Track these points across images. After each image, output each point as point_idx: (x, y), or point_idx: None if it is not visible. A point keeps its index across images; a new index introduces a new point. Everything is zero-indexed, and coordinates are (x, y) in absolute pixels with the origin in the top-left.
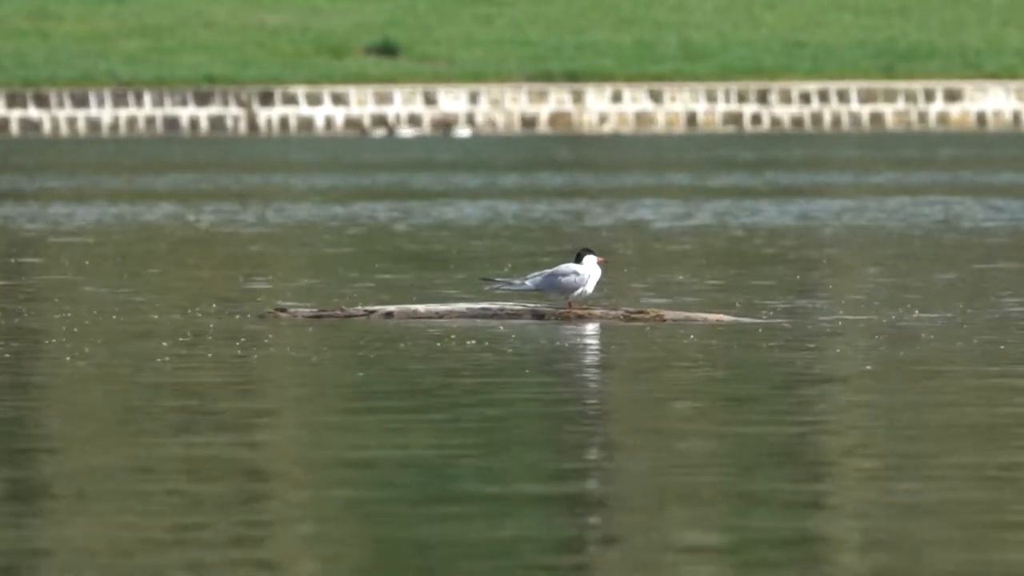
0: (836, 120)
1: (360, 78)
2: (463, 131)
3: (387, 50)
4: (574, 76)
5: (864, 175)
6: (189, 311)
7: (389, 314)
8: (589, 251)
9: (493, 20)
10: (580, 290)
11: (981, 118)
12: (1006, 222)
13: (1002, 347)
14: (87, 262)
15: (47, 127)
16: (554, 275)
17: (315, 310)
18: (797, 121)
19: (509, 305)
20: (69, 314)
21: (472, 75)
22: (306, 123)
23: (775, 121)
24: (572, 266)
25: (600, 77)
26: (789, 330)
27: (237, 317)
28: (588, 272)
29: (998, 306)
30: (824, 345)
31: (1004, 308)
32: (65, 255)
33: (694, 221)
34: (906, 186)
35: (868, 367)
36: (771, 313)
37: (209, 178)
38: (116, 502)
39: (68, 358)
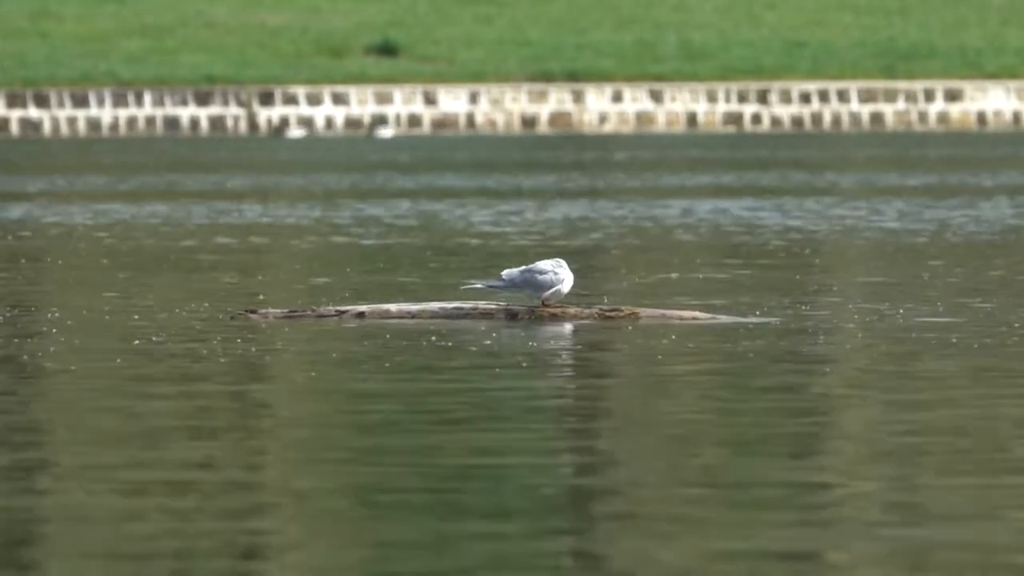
0: (836, 120)
1: (360, 78)
2: (386, 131)
3: (387, 50)
4: (574, 76)
5: (864, 175)
6: (177, 311)
7: (361, 314)
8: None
9: (493, 20)
10: (555, 289)
11: (981, 118)
12: (1003, 222)
13: (990, 345)
14: (79, 262)
15: (47, 127)
16: (530, 272)
17: (286, 311)
18: (797, 121)
19: (482, 304)
20: (57, 313)
21: (472, 75)
22: (306, 123)
23: (775, 121)
24: (550, 264)
25: (600, 77)
26: (770, 329)
27: (220, 317)
28: (565, 274)
29: (987, 307)
30: (804, 344)
31: (993, 309)
32: (62, 255)
33: (691, 221)
34: (905, 186)
35: (844, 365)
36: (757, 312)
37: (209, 178)
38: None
39: (26, 357)
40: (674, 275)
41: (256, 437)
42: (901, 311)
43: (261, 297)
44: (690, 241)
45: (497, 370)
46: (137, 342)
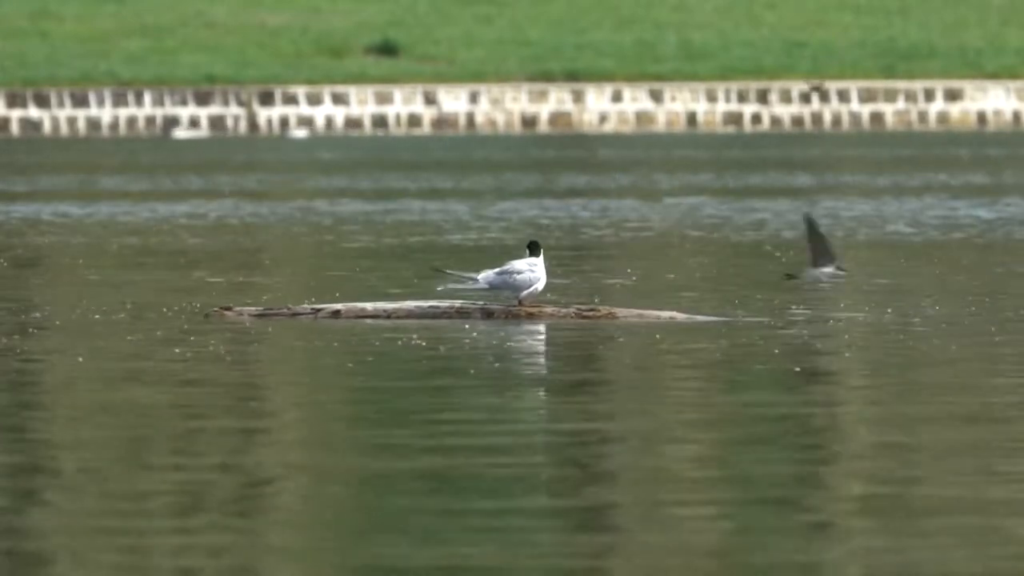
0: (836, 120)
1: (360, 78)
2: (299, 132)
3: (387, 50)
4: (574, 76)
5: (863, 175)
6: (165, 310)
7: (336, 312)
8: (537, 244)
9: (493, 20)
10: (532, 288)
11: (981, 118)
12: (999, 223)
13: (966, 344)
14: (81, 260)
15: (47, 127)
16: (507, 272)
17: (261, 309)
18: (797, 121)
19: (459, 303)
20: (49, 309)
21: (472, 75)
22: (306, 123)
23: (775, 121)
24: (525, 263)
25: (600, 77)
26: (749, 328)
27: (204, 316)
28: (541, 271)
29: (978, 307)
30: (778, 343)
31: (985, 309)
32: (60, 254)
33: (688, 220)
34: (904, 186)
35: (821, 363)
36: (740, 312)
37: (209, 178)
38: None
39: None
40: (671, 275)
41: (216, 437)
42: (890, 311)
43: (266, 296)
44: (687, 241)
45: (472, 371)
46: (101, 344)
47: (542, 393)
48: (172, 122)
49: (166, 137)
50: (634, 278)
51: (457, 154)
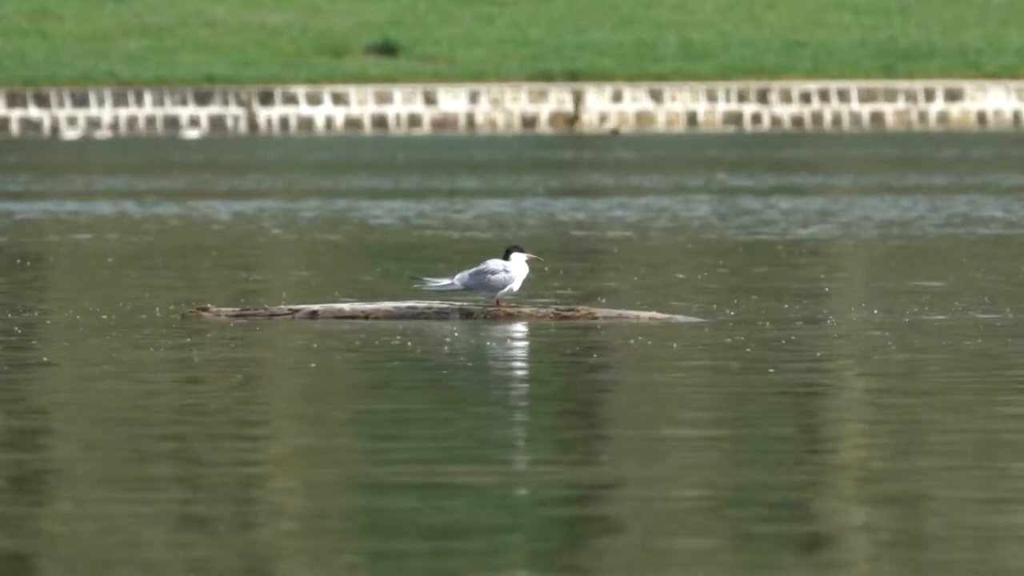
0: (836, 119)
1: (360, 78)
2: (191, 132)
3: (387, 50)
4: (574, 76)
5: (863, 175)
6: (158, 309)
7: (314, 313)
8: (518, 248)
9: (493, 20)
10: (508, 287)
11: (981, 117)
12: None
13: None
14: (85, 260)
15: (47, 127)
16: (482, 272)
17: (238, 309)
18: (797, 121)
19: (436, 304)
20: (45, 307)
21: (472, 75)
22: (306, 123)
23: (775, 121)
24: (500, 263)
25: (600, 77)
26: (730, 329)
27: (181, 316)
28: (516, 270)
29: (937, 308)
30: (756, 343)
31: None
32: (60, 253)
33: (689, 221)
34: (902, 187)
35: (786, 366)
36: (730, 312)
37: (209, 178)
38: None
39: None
40: (667, 276)
41: (190, 444)
42: (876, 311)
43: (269, 297)
44: (687, 241)
45: (448, 373)
46: (66, 343)
47: (521, 394)
48: (62, 124)
49: (54, 138)
50: (635, 278)
51: (456, 154)
